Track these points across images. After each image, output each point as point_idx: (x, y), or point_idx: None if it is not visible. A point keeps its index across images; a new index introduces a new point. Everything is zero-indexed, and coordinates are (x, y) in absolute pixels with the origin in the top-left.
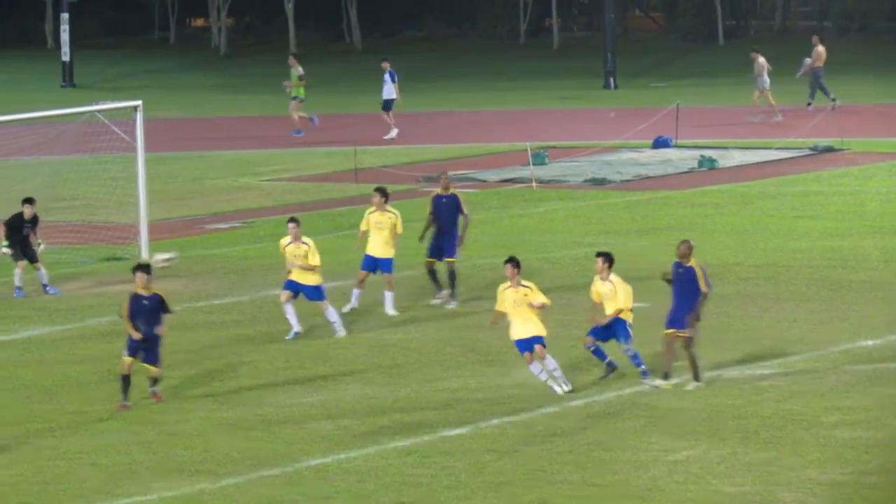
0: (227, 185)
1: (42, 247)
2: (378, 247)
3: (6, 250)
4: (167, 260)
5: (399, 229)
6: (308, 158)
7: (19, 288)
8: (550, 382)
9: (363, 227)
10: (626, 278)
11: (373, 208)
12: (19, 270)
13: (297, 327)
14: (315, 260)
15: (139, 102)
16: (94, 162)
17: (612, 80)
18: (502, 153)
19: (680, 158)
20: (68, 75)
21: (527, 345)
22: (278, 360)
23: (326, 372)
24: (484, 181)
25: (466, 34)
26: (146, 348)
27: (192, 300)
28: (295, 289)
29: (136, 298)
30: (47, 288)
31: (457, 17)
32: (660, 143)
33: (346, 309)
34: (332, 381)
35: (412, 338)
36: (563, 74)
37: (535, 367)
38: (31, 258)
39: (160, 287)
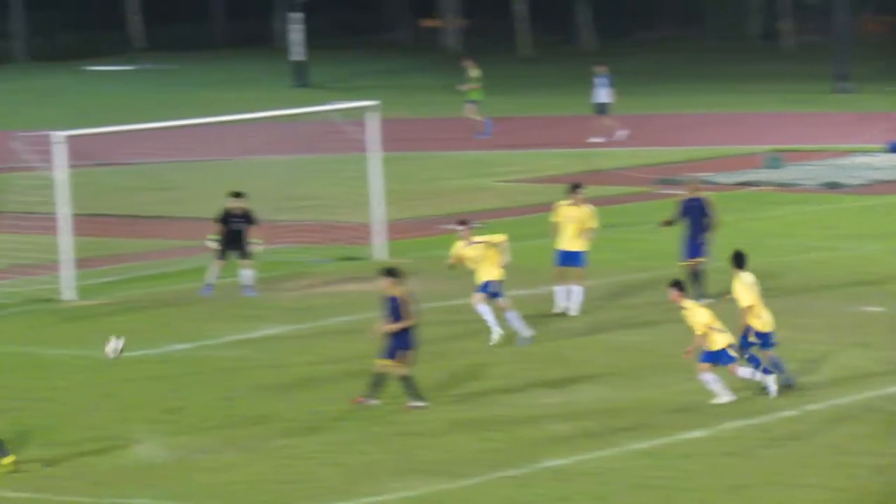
0: (462, 186)
1: (260, 247)
2: (570, 241)
3: (212, 244)
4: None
5: (592, 223)
6: (541, 160)
7: (209, 285)
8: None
9: (555, 218)
10: (859, 282)
11: (568, 201)
12: (215, 267)
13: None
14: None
15: (374, 102)
16: (328, 161)
17: (845, 83)
18: (735, 156)
19: None
20: (301, 75)
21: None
22: (515, 362)
23: (563, 374)
24: (717, 184)
25: (698, 36)
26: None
27: (427, 300)
28: (489, 290)
29: (386, 300)
30: (246, 290)
31: (689, 19)
32: (894, 147)
33: (557, 311)
34: (570, 383)
35: (647, 340)
36: (795, 78)
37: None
38: (243, 255)
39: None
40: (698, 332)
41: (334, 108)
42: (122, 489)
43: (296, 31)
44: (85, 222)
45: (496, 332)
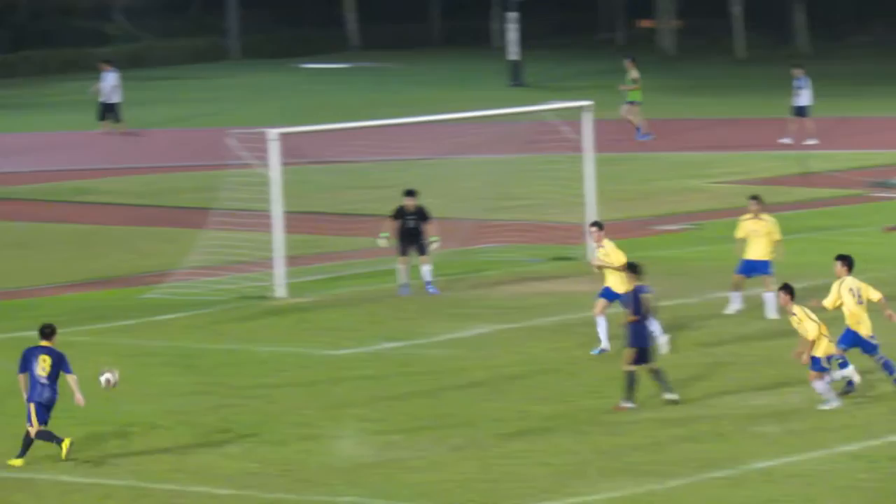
0: (675, 187)
1: (436, 244)
2: (756, 251)
3: (383, 242)
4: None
5: (776, 236)
6: (754, 161)
7: (405, 285)
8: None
9: (739, 234)
10: None
11: (749, 215)
12: (402, 267)
13: (605, 343)
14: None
15: (589, 103)
16: (543, 161)
17: None
18: None
19: None
20: (517, 75)
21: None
22: (725, 361)
23: (774, 376)
24: None
25: None
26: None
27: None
28: (611, 297)
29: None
30: (429, 286)
31: None
32: None
33: (730, 311)
34: (780, 385)
35: None
36: None
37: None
38: (421, 251)
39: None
40: (810, 338)
41: (549, 107)
42: (329, 487)
43: (512, 31)
44: (296, 220)
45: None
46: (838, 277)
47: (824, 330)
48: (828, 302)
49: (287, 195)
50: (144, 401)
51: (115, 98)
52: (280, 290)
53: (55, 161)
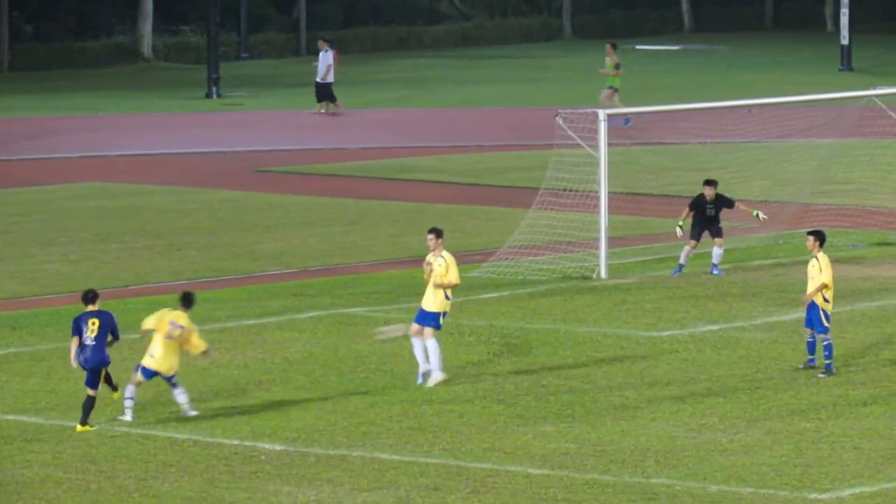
0: None
1: (762, 217)
2: None
3: (680, 231)
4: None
5: None
6: None
7: (680, 266)
8: None
9: None
10: None
11: None
12: (688, 248)
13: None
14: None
15: None
16: (869, 146)
17: None
18: None
19: None
20: (846, 59)
21: None
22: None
23: None
24: None
25: None
26: None
27: None
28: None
29: None
30: (714, 269)
31: None
32: None
33: None
34: None
35: None
36: None
37: None
38: (715, 234)
39: None
40: (825, 280)
41: (877, 92)
42: (643, 468)
43: (844, 14)
44: (620, 200)
45: None
46: (811, 252)
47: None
48: (826, 277)
49: (612, 176)
50: (458, 380)
51: (330, 78)
52: (603, 271)
53: (386, 138)
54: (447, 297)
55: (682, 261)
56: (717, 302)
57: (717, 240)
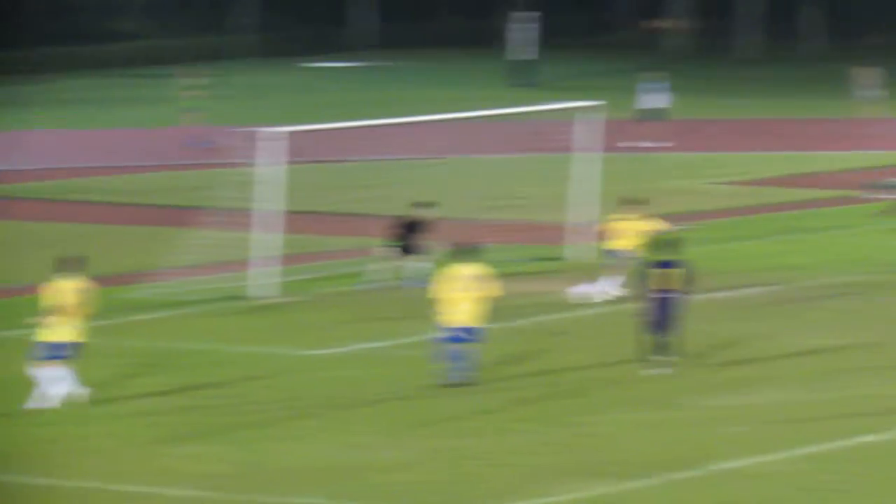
0: (674, 188)
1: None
2: None
3: (382, 251)
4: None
5: None
6: (754, 163)
7: (409, 279)
8: None
9: None
10: None
11: None
12: (386, 263)
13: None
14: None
15: (596, 103)
16: (544, 161)
17: None
18: None
19: None
20: (526, 74)
21: None
22: (693, 362)
23: (744, 375)
24: None
25: None
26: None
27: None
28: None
29: None
30: (412, 282)
31: None
32: None
33: None
34: (747, 385)
35: (839, 343)
36: None
37: None
38: (418, 252)
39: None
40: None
41: (557, 107)
42: (293, 488)
43: (518, 31)
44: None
45: None
46: None
47: None
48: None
49: (274, 195)
50: (110, 400)
51: None
52: (262, 290)
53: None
54: None
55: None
56: (373, 321)
57: (418, 256)
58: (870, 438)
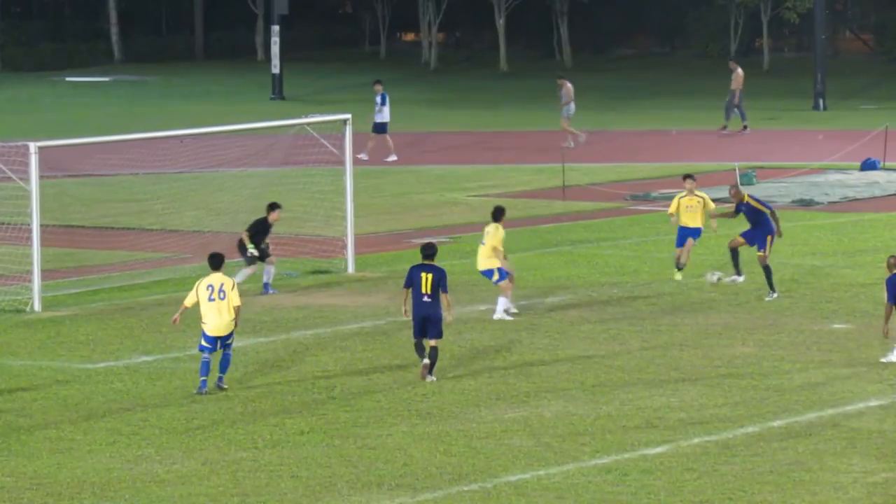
0: (435, 200)
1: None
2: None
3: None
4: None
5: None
6: (516, 175)
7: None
8: None
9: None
10: (828, 300)
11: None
12: (250, 270)
13: None
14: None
15: (348, 116)
16: (302, 174)
17: (821, 101)
18: (710, 172)
19: (888, 181)
20: (278, 87)
21: None
22: (481, 375)
23: (529, 388)
24: None
25: (677, 53)
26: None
27: (397, 314)
28: None
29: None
30: (267, 288)
31: (668, 36)
32: (868, 166)
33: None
34: (534, 398)
35: (616, 355)
36: (772, 95)
37: None
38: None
39: (368, 301)
40: None
41: (308, 120)
42: (79, 500)
43: (274, 44)
44: (54, 233)
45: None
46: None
47: None
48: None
49: (45, 209)
50: None
51: None
52: (36, 304)
53: None
54: None
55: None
56: (151, 333)
57: (269, 259)
58: (660, 450)
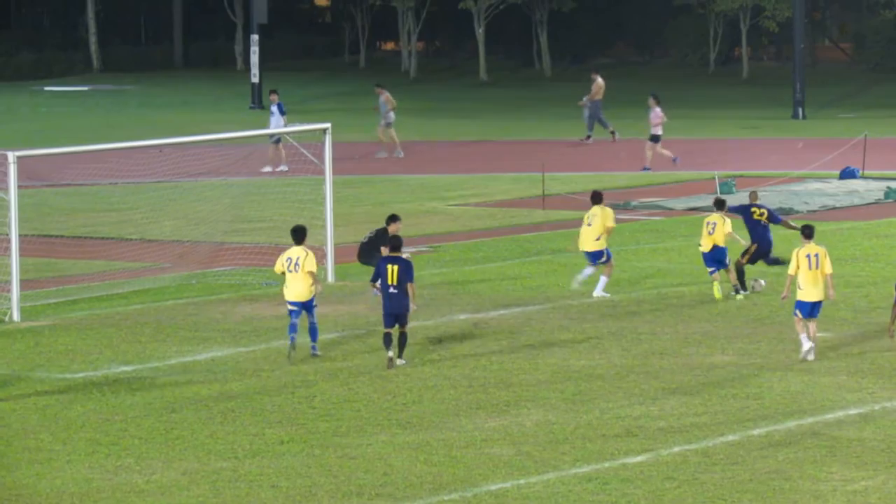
0: (414, 209)
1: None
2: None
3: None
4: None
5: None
6: (495, 183)
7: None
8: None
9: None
10: None
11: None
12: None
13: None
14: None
15: (328, 125)
16: (282, 184)
17: (800, 109)
18: (689, 181)
19: (866, 189)
20: (257, 97)
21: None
22: (461, 384)
23: (509, 397)
24: (671, 209)
25: (656, 62)
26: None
27: (378, 324)
28: None
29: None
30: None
31: (647, 44)
32: (847, 174)
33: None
34: (515, 407)
35: (596, 364)
36: (751, 104)
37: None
38: None
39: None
40: None
41: (288, 130)
42: None
43: (253, 54)
44: (32, 243)
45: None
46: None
47: None
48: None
49: (24, 218)
50: None
51: None
52: (15, 314)
53: None
54: None
55: None
56: (130, 343)
57: None
58: (640, 459)
